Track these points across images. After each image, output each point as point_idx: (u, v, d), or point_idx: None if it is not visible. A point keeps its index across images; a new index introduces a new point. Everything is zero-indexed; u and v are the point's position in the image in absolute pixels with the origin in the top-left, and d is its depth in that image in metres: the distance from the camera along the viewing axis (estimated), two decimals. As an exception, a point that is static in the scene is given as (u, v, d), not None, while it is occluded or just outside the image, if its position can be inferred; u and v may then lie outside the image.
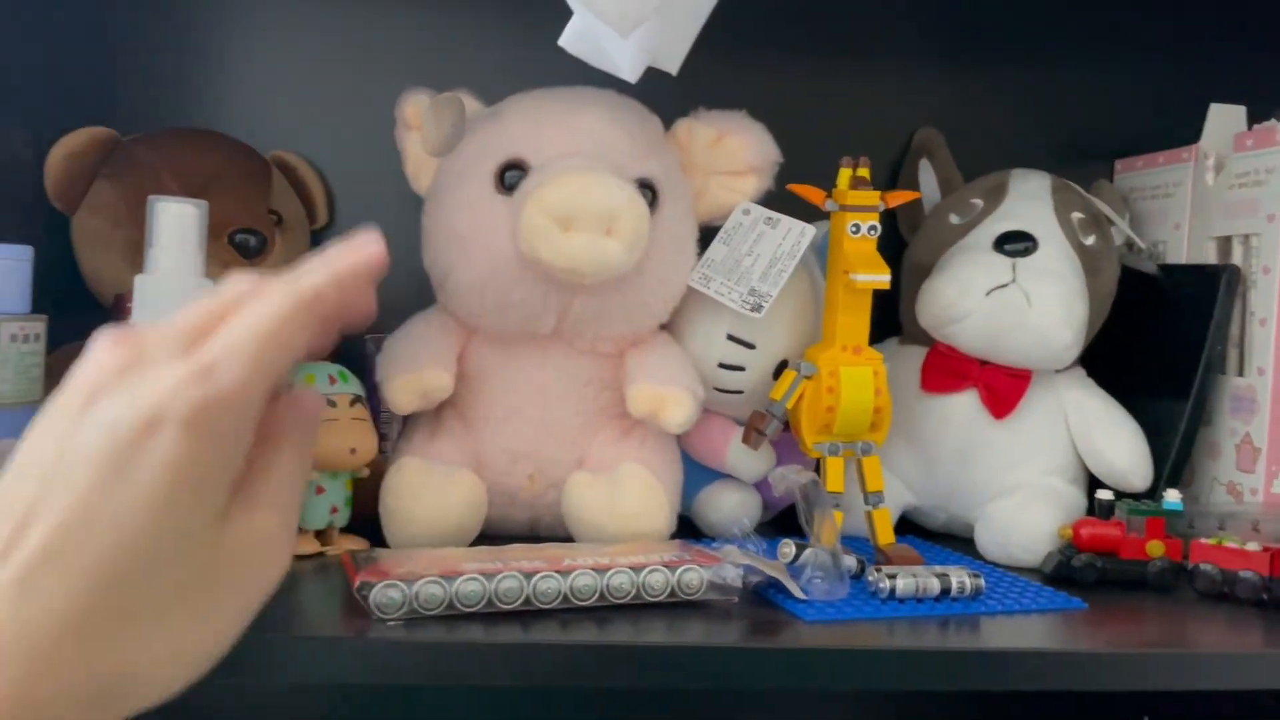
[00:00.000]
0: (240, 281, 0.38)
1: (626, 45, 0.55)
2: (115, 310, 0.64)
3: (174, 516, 0.33)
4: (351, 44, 0.83)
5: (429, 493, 0.64)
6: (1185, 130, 0.81)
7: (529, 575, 0.54)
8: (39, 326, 0.56)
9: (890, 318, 0.81)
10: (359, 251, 0.38)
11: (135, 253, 0.55)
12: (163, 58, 0.81)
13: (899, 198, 0.69)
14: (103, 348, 0.35)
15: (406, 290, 0.72)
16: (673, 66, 0.61)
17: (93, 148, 0.68)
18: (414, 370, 0.66)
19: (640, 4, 0.51)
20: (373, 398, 0.68)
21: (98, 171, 0.69)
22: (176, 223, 0.54)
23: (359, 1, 0.83)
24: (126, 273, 0.56)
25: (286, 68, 0.82)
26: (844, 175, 0.67)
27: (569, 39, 0.56)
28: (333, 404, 0.64)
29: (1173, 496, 0.67)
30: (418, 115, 0.69)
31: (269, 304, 0.36)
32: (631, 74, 0.59)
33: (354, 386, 0.66)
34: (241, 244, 0.67)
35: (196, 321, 0.36)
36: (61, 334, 0.64)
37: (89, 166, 0.68)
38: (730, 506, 0.72)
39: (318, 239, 0.80)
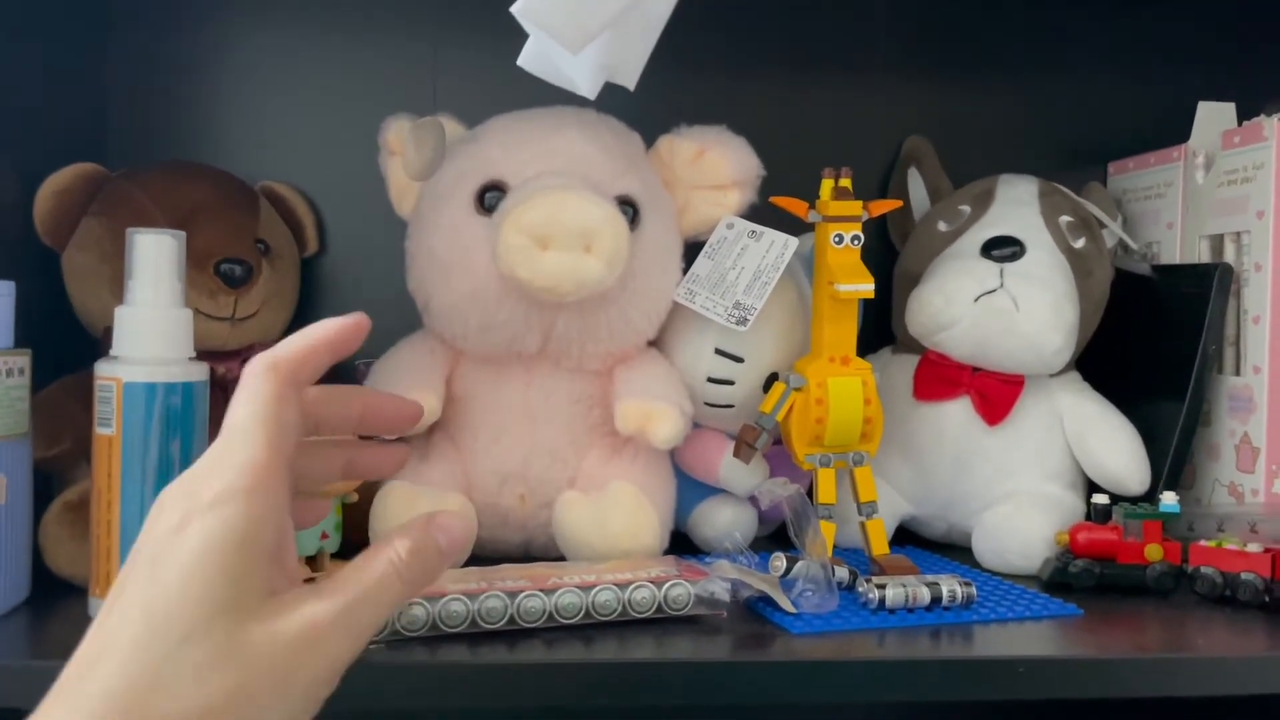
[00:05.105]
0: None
1: (580, 62, 0.55)
2: (104, 343, 0.64)
3: (206, 600, 0.34)
4: (339, 73, 0.83)
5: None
6: (1178, 129, 0.80)
7: (513, 594, 0.54)
8: (23, 360, 0.57)
9: (887, 327, 0.81)
10: (330, 323, 0.41)
11: (123, 287, 0.56)
12: (152, 93, 0.82)
13: (881, 207, 0.69)
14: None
15: (395, 315, 0.73)
16: (629, 81, 0.61)
17: (80, 184, 0.69)
18: (401, 393, 0.66)
19: (588, 21, 0.51)
20: (363, 423, 0.69)
21: (86, 208, 0.69)
22: (154, 254, 0.55)
23: (345, 32, 0.84)
24: (115, 306, 0.56)
25: (275, 99, 0.83)
26: (826, 186, 0.67)
27: (527, 59, 0.56)
28: (319, 430, 0.64)
29: (1170, 499, 0.66)
30: (399, 140, 0.70)
31: (246, 389, 0.38)
32: (589, 90, 0.59)
33: (341, 412, 0.66)
34: (227, 273, 0.67)
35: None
36: (52, 368, 0.65)
37: (77, 203, 0.69)
38: (725, 521, 0.72)
39: (308, 266, 0.80)
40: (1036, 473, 0.72)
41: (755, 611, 0.59)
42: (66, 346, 0.68)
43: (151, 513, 0.37)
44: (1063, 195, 0.77)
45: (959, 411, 0.73)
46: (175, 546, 0.35)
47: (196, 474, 0.37)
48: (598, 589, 0.55)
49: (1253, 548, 0.63)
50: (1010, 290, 0.70)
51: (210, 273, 0.67)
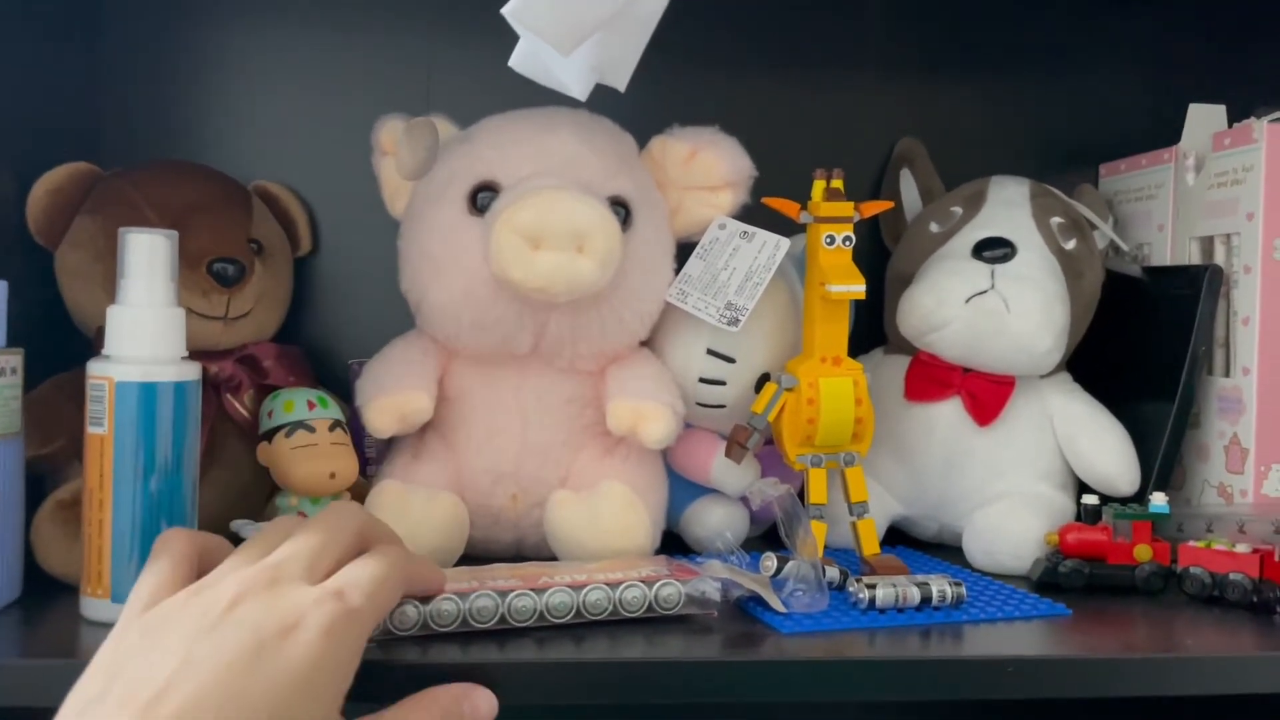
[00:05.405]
0: (344, 514, 0.48)
1: (571, 64, 0.56)
2: (97, 342, 0.64)
3: (293, 710, 0.39)
4: (333, 73, 0.83)
5: (408, 516, 0.64)
6: (1169, 131, 0.81)
7: (504, 594, 0.54)
8: (15, 359, 0.57)
9: (879, 328, 0.81)
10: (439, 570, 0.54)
11: (115, 286, 0.56)
12: (145, 92, 0.82)
13: (873, 208, 0.69)
14: (241, 564, 0.43)
15: (387, 314, 0.73)
16: (620, 83, 0.61)
17: (73, 183, 0.69)
18: (392, 393, 0.67)
19: (579, 23, 0.51)
20: (356, 421, 0.69)
21: (79, 207, 0.69)
22: (146, 253, 0.55)
23: (340, 31, 0.84)
24: (108, 305, 0.56)
25: (269, 98, 0.83)
26: (818, 187, 0.68)
27: (518, 60, 0.57)
28: (312, 429, 0.64)
29: (1159, 500, 0.66)
30: (392, 140, 0.70)
31: (390, 558, 0.46)
32: (580, 92, 0.59)
33: (334, 411, 0.66)
34: (219, 273, 0.67)
35: (317, 548, 0.45)
36: (45, 367, 0.65)
37: (70, 202, 0.69)
38: (716, 521, 0.72)
39: (301, 266, 0.80)
40: (1027, 473, 0.72)
41: (746, 611, 0.59)
42: (59, 345, 0.68)
43: (232, 587, 0.42)
44: (1054, 197, 0.78)
45: (950, 412, 0.73)
46: (284, 652, 0.40)
47: (298, 582, 0.43)
48: (589, 588, 0.56)
49: (1241, 548, 0.63)
50: (1001, 291, 0.70)
51: (203, 272, 0.67)
